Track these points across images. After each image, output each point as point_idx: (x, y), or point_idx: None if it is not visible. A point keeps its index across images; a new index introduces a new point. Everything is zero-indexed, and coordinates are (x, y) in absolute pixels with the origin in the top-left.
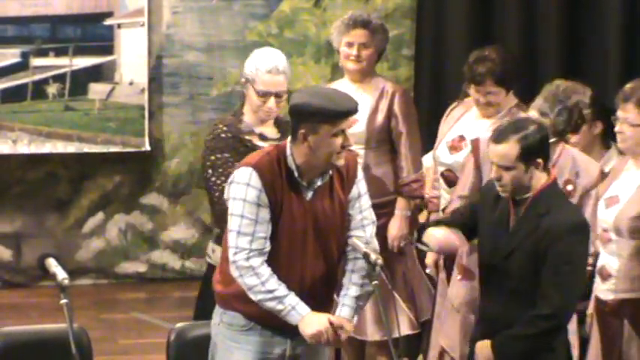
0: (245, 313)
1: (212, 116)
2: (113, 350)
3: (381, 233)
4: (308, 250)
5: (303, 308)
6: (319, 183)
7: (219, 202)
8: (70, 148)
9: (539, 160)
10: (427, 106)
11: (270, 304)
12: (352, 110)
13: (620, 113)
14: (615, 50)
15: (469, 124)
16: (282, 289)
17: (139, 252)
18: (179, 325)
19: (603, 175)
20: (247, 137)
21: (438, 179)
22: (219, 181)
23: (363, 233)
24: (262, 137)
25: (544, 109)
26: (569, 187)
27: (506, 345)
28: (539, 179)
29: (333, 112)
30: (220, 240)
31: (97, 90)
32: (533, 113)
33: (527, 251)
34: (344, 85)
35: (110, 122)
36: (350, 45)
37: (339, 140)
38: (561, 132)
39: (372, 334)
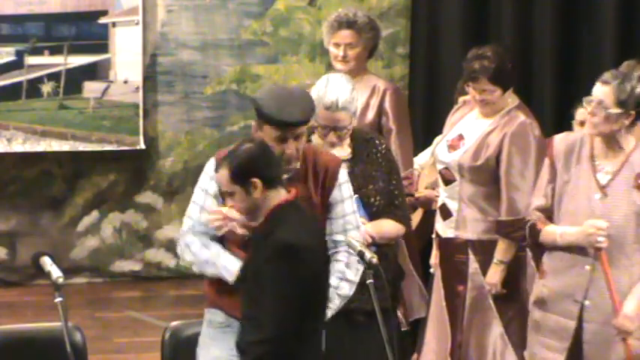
0: (225, 307)
1: (206, 114)
2: (108, 349)
3: None
4: None
5: (233, 263)
6: (285, 176)
7: None
8: (65, 146)
9: (254, 180)
10: (422, 105)
11: (207, 270)
12: (298, 122)
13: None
14: (610, 51)
15: (469, 123)
16: (218, 246)
17: (133, 250)
18: (174, 323)
19: None
20: None
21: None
22: None
23: (343, 237)
24: None
25: (606, 77)
26: None
27: None
28: (276, 198)
29: (275, 120)
30: None
31: (91, 88)
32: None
33: (252, 274)
34: None
35: (105, 121)
36: (337, 46)
37: (284, 146)
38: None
39: None
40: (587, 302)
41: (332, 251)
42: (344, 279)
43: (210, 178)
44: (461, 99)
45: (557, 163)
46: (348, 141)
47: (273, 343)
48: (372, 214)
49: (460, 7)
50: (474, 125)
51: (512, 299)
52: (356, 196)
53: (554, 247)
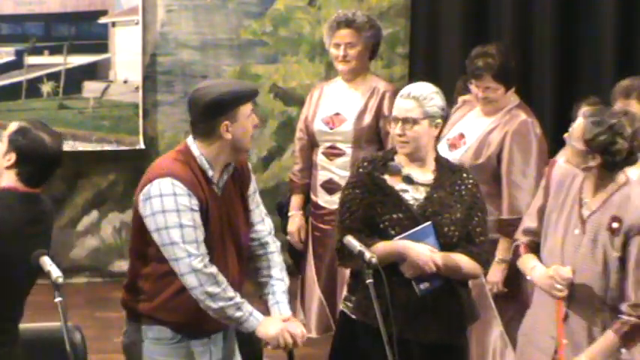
0: (172, 324)
1: None
2: (107, 349)
3: None
4: (227, 249)
5: (258, 313)
6: (225, 177)
7: (338, 239)
8: (65, 146)
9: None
10: None
11: (230, 312)
12: (256, 88)
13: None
14: (610, 50)
15: (470, 122)
16: (238, 295)
17: None
18: None
19: None
20: (384, 176)
21: None
22: (344, 217)
23: (264, 227)
24: (407, 180)
25: (585, 111)
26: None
27: None
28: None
29: (247, 91)
30: None
31: (91, 88)
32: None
33: None
34: (337, 85)
35: (104, 120)
36: (337, 46)
37: (251, 121)
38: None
39: None
40: (565, 341)
41: (257, 242)
42: (283, 269)
43: (183, 197)
44: (460, 99)
45: (551, 189)
46: (431, 166)
47: None
48: (444, 245)
49: (460, 7)
50: (474, 124)
51: (512, 298)
52: (429, 222)
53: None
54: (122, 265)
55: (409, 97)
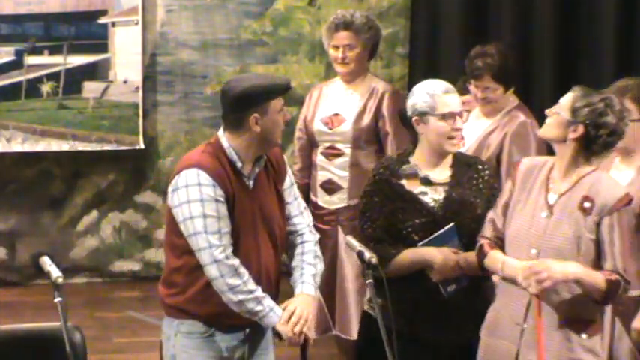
0: (203, 317)
1: (206, 115)
2: (107, 349)
3: None
4: (260, 241)
5: (279, 309)
6: (257, 170)
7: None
8: (65, 146)
9: None
10: None
11: (250, 305)
12: (289, 82)
13: None
14: (609, 49)
15: (469, 123)
16: (259, 289)
17: (133, 250)
18: None
19: None
20: (401, 182)
21: None
22: (365, 226)
23: (302, 220)
24: (425, 181)
25: (575, 87)
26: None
27: None
28: None
29: (279, 86)
30: None
31: (91, 88)
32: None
33: None
34: (336, 85)
35: (104, 120)
36: (336, 48)
37: (282, 116)
38: None
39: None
40: (525, 325)
41: (295, 234)
42: (318, 256)
43: (208, 187)
44: (460, 99)
45: (515, 185)
46: (448, 161)
47: None
48: (468, 244)
49: (459, 7)
50: (474, 125)
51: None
52: (452, 224)
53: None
54: (122, 265)
55: (453, 92)
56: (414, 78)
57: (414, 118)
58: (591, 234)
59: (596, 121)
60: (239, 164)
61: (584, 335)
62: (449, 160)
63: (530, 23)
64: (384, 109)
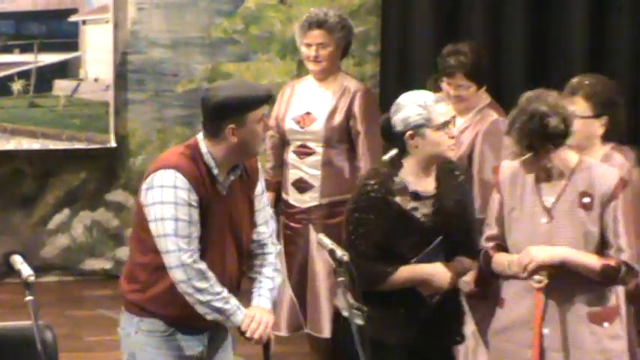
0: (165, 317)
1: (177, 113)
2: (79, 347)
3: (337, 231)
4: (226, 248)
5: (244, 309)
6: (232, 178)
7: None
8: (35, 144)
9: None
10: (393, 103)
11: (218, 304)
12: (270, 93)
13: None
14: (581, 49)
15: None
16: (225, 291)
17: (104, 249)
18: None
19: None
20: (396, 199)
21: None
22: (358, 242)
23: (266, 229)
24: (415, 196)
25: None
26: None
27: None
28: None
29: (258, 97)
30: None
31: (62, 86)
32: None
33: None
34: (308, 83)
35: (75, 119)
36: (308, 46)
37: (262, 125)
38: None
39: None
40: (545, 330)
41: (257, 243)
42: (277, 270)
43: (183, 190)
44: None
45: (503, 191)
46: (433, 172)
47: None
48: (455, 253)
49: (431, 5)
50: None
51: (483, 298)
52: (440, 238)
53: (507, 276)
54: (93, 264)
55: (442, 100)
56: (385, 76)
57: (409, 133)
58: (597, 226)
59: (543, 130)
60: (215, 170)
61: (606, 324)
62: (433, 169)
63: (501, 21)
64: (356, 108)
